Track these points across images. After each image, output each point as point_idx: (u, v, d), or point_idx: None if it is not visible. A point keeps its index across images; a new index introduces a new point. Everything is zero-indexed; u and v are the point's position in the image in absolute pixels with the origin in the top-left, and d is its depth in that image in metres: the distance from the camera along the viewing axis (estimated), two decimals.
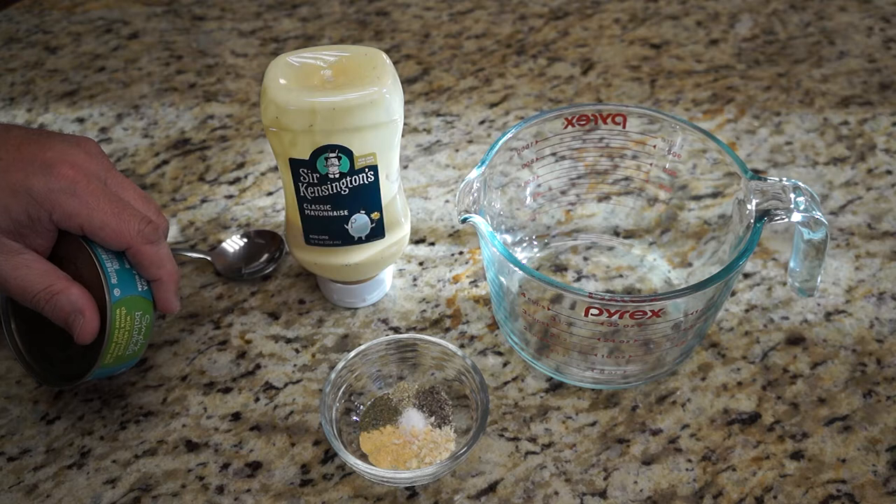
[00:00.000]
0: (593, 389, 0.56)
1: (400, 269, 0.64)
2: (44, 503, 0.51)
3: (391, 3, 0.93)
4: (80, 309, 0.48)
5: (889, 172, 0.71)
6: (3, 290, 0.49)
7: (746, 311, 0.60)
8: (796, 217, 0.51)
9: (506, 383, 0.57)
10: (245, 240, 0.66)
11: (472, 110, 0.79)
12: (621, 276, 0.63)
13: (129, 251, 0.50)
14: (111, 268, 0.49)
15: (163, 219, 0.52)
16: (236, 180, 0.72)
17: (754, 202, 0.52)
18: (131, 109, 0.80)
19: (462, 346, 0.59)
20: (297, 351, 0.59)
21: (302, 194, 0.54)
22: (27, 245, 0.48)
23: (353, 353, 0.53)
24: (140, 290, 0.51)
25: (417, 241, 0.66)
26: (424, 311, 0.61)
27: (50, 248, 0.50)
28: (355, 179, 0.53)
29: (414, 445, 0.52)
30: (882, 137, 0.75)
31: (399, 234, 0.58)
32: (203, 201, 0.70)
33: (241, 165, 0.73)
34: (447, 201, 0.70)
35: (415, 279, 0.63)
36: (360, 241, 0.56)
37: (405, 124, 0.74)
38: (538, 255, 0.64)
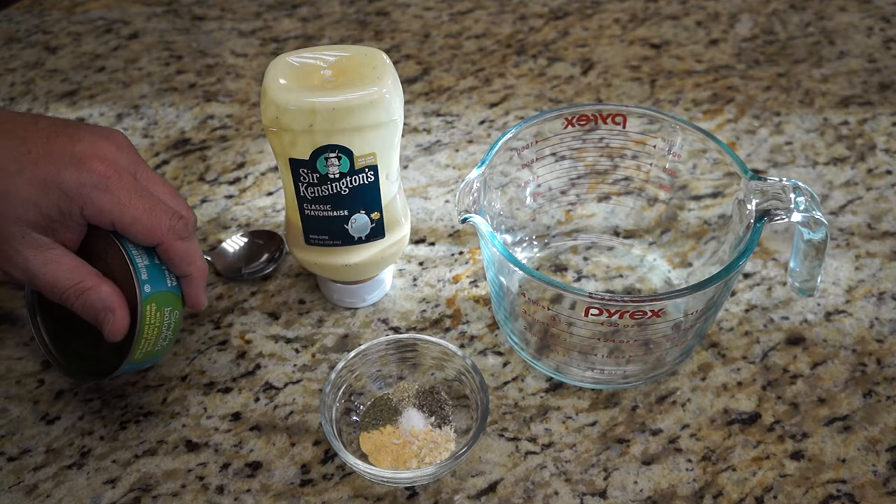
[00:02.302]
0: (593, 389, 0.56)
1: (400, 269, 0.64)
2: (44, 503, 0.51)
3: (391, 3, 0.93)
4: (111, 307, 0.48)
5: (889, 172, 0.71)
6: (32, 286, 0.49)
7: (746, 311, 0.60)
8: (796, 217, 0.51)
9: (506, 383, 0.57)
10: (245, 240, 0.66)
11: (472, 110, 0.79)
12: (621, 276, 0.63)
13: (161, 247, 0.50)
14: (141, 263, 0.49)
15: (191, 214, 0.52)
16: (236, 180, 0.72)
17: (754, 202, 0.52)
18: (131, 109, 0.80)
19: (462, 346, 0.59)
20: (297, 351, 0.59)
21: (302, 194, 0.54)
22: (56, 240, 0.48)
23: (353, 353, 0.53)
24: (170, 285, 0.50)
25: (417, 241, 0.66)
26: (424, 311, 0.61)
27: (79, 242, 0.49)
28: (355, 179, 0.53)
29: (414, 445, 0.52)
30: (882, 137, 0.75)
31: (399, 234, 0.58)
32: (203, 201, 0.70)
33: (241, 165, 0.73)
34: (447, 201, 0.70)
35: (415, 279, 0.63)
36: (360, 241, 0.56)
37: (405, 124, 0.74)
38: (538, 255, 0.64)
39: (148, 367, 0.58)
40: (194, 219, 0.51)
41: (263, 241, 0.66)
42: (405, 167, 0.73)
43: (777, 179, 0.52)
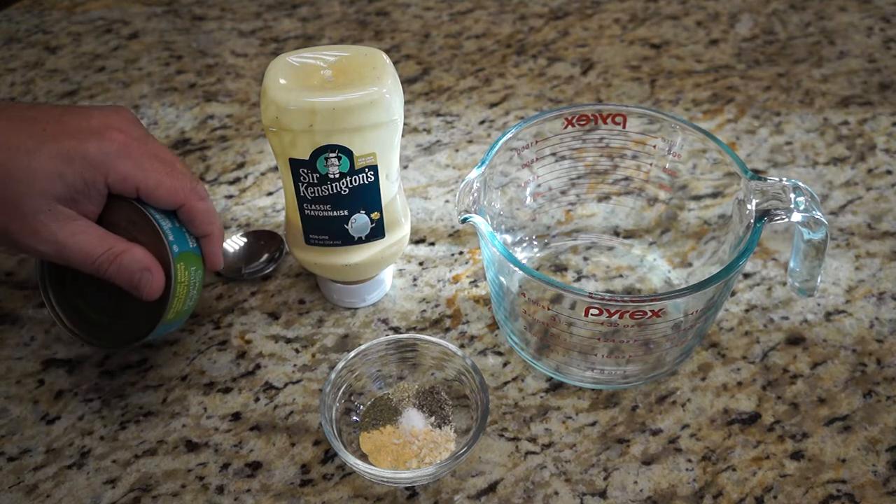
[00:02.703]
0: (593, 389, 0.56)
1: (400, 269, 0.64)
2: (44, 503, 0.51)
3: (391, 3, 0.93)
4: (147, 266, 0.49)
5: (889, 172, 0.71)
6: (61, 258, 0.49)
7: (746, 311, 0.60)
8: (796, 217, 0.51)
9: (506, 383, 0.56)
10: (245, 240, 0.66)
11: (472, 110, 0.79)
12: (621, 276, 0.63)
13: (183, 208, 0.52)
14: (166, 226, 0.51)
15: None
16: (236, 180, 0.72)
17: (754, 202, 0.52)
18: (131, 109, 0.80)
19: (462, 346, 0.59)
20: (297, 351, 0.59)
21: (302, 194, 0.54)
22: (79, 212, 0.49)
23: (353, 353, 0.53)
24: (191, 246, 0.52)
25: (417, 241, 0.66)
26: (424, 311, 0.61)
27: (98, 213, 0.51)
28: (355, 179, 0.53)
29: (414, 445, 0.52)
30: (882, 137, 0.75)
31: (399, 234, 0.58)
32: None
33: (241, 165, 0.73)
34: (447, 201, 0.70)
35: (415, 279, 0.63)
36: (360, 241, 0.56)
37: (405, 124, 0.74)
38: (538, 255, 0.64)
39: (148, 368, 0.58)
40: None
41: (263, 241, 0.66)
42: (405, 167, 0.73)
43: (777, 179, 0.52)
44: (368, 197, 0.54)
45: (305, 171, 0.52)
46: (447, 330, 0.60)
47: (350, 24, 0.90)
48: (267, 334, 0.60)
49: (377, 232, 0.56)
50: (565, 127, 0.58)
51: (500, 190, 0.59)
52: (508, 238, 0.62)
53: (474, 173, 0.53)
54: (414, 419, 0.53)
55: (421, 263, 0.65)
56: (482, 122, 0.78)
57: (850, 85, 0.80)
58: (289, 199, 0.55)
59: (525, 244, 0.64)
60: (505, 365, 0.58)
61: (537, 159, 0.60)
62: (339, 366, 0.53)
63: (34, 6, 0.94)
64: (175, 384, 0.57)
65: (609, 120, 0.58)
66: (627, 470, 0.52)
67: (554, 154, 0.60)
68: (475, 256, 0.65)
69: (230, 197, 0.70)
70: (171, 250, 0.50)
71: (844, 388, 0.56)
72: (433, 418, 0.53)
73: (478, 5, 0.93)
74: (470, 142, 0.75)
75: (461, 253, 0.65)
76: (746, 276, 0.63)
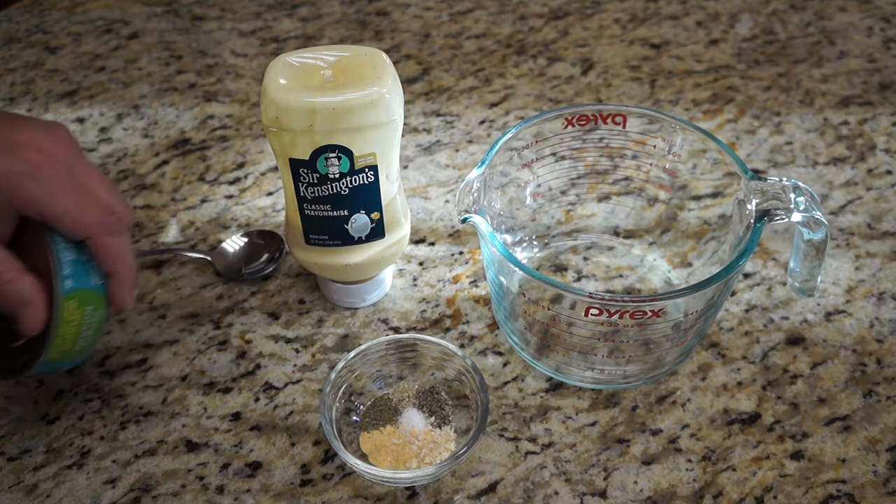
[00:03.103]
0: (593, 389, 0.56)
1: (400, 269, 0.64)
2: (44, 503, 0.51)
3: (391, 3, 0.93)
4: (28, 300, 0.46)
5: (889, 172, 0.71)
6: None
7: (746, 311, 0.60)
8: (796, 217, 0.51)
9: (506, 383, 0.56)
10: (245, 240, 0.66)
11: (472, 110, 0.79)
12: (621, 276, 0.63)
13: (89, 241, 0.48)
14: (66, 258, 0.48)
15: (128, 211, 0.50)
16: (236, 180, 0.72)
17: (754, 202, 0.52)
18: (131, 109, 0.80)
19: (462, 346, 0.59)
20: (297, 351, 0.59)
21: (302, 194, 0.54)
22: None
23: (353, 353, 0.53)
24: (94, 283, 0.49)
25: (417, 241, 0.66)
26: (424, 311, 0.61)
27: (8, 234, 0.48)
28: (355, 179, 0.53)
29: (414, 445, 0.52)
30: (882, 137, 0.75)
31: (399, 234, 0.58)
32: (203, 201, 0.70)
33: (241, 165, 0.73)
34: (447, 201, 0.70)
35: (415, 279, 0.63)
36: (360, 241, 0.56)
37: (405, 124, 0.74)
38: (538, 255, 0.64)
39: (148, 368, 0.58)
40: (131, 217, 0.50)
41: (263, 241, 0.66)
42: (405, 167, 0.73)
43: (777, 179, 0.52)
44: (368, 197, 0.54)
45: (305, 171, 0.52)
46: (447, 330, 0.60)
47: (350, 24, 0.90)
48: (267, 334, 0.60)
49: (377, 232, 0.56)
50: (565, 127, 0.58)
51: (500, 190, 0.59)
52: (508, 238, 0.62)
53: (474, 173, 0.53)
54: (414, 419, 0.53)
55: (421, 263, 0.65)
56: (482, 122, 0.78)
57: (850, 85, 0.80)
58: (289, 199, 0.55)
59: (525, 244, 0.64)
60: (505, 365, 0.58)
61: (537, 159, 0.60)
62: (339, 366, 0.53)
63: (34, 6, 0.94)
64: (175, 384, 0.57)
65: (609, 120, 0.58)
66: (627, 470, 0.52)
67: (554, 154, 0.60)
68: (475, 256, 0.65)
69: (230, 197, 0.70)
70: (62, 286, 0.47)
71: (844, 388, 0.56)
72: (433, 418, 0.53)
73: (478, 5, 0.93)
74: (470, 142, 0.75)
75: (461, 253, 0.65)
76: (746, 276, 0.63)
